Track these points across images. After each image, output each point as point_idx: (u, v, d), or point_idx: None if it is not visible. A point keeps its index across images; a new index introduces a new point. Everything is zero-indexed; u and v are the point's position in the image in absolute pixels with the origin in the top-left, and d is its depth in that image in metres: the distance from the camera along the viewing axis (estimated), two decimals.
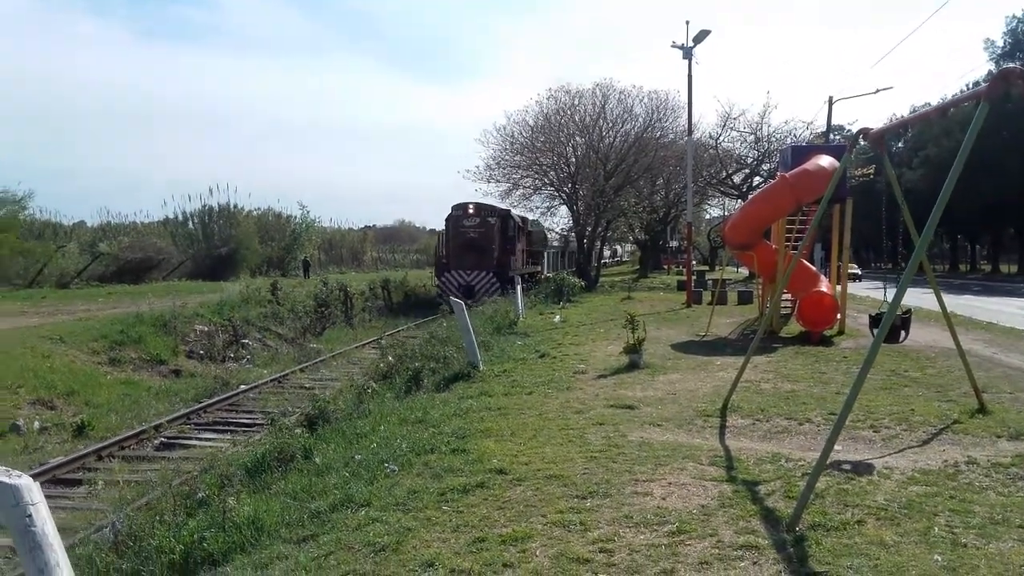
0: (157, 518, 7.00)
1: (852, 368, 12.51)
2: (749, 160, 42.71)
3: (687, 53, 26.09)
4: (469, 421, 9.26)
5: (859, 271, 46.64)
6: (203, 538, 6.65)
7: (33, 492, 3.32)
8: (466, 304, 21.26)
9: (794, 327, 17.67)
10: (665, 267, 58.52)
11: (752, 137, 41.81)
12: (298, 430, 9.55)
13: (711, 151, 41.85)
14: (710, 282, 29.66)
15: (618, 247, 78.36)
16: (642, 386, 11.33)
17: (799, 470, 6.94)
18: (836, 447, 7.89)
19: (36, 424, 13.64)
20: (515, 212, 41.31)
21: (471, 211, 36.51)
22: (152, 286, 35.14)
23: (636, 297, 30.02)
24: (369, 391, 11.49)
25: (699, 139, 42.44)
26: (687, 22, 26.70)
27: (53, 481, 10.87)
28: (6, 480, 3.26)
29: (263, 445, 9.40)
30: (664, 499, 6.21)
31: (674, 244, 60.32)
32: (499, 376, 12.57)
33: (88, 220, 48.17)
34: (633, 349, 12.99)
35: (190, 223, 45.61)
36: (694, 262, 53.70)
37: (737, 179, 42.85)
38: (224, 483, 8.19)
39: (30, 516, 3.26)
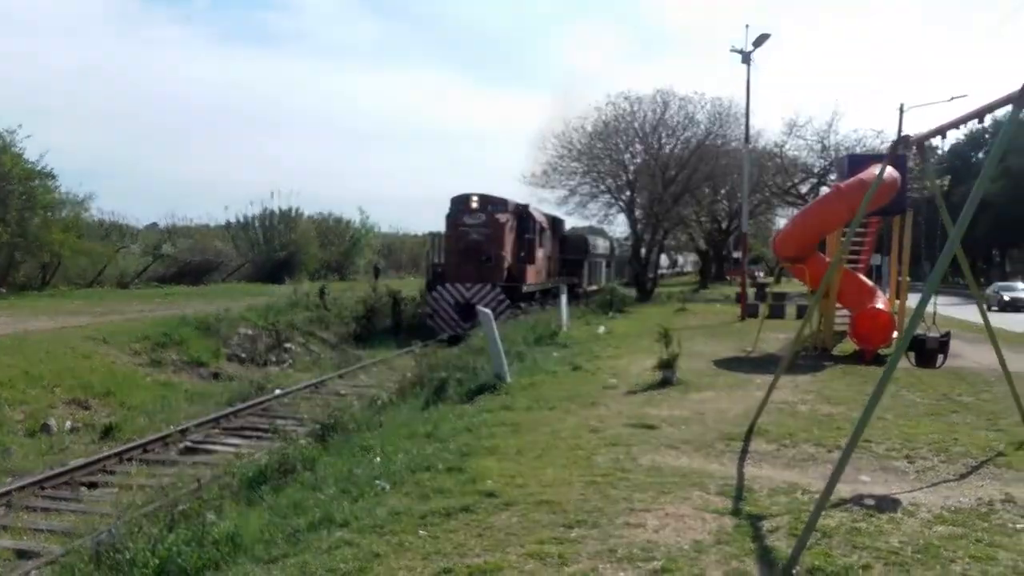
0: (138, 529, 6.77)
1: (901, 391, 11.77)
2: (816, 169, 41.42)
3: (746, 58, 25.43)
4: (478, 437, 8.86)
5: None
6: (180, 553, 6.41)
7: None
8: (462, 329, 19.67)
9: (848, 345, 16.85)
10: (727, 278, 57.30)
11: (819, 146, 40.56)
12: (303, 441, 9.29)
13: (776, 159, 40.71)
14: (770, 295, 28.67)
15: (679, 257, 77.06)
16: (670, 404, 10.78)
17: (814, 503, 6.37)
18: (864, 478, 7.35)
19: (67, 424, 13.72)
20: (540, 208, 34.50)
21: (474, 205, 28.53)
22: (210, 288, 35.76)
23: (691, 309, 29.19)
24: (379, 402, 11.21)
25: (764, 147, 41.34)
26: (747, 26, 26.13)
27: (71, 483, 10.85)
28: None
29: (268, 455, 9.17)
30: (656, 532, 5.72)
31: (737, 255, 58.94)
32: (525, 389, 12.14)
33: (161, 222, 49.40)
34: (666, 365, 12.42)
35: (251, 227, 46.34)
36: (760, 274, 52.56)
37: (804, 189, 41.58)
38: (221, 494, 7.98)
39: None
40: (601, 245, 45.54)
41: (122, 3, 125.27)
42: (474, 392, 12.19)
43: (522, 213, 30.40)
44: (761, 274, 50.20)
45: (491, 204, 28.65)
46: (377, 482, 7.16)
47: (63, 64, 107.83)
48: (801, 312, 24.58)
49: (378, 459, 8.26)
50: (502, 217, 28.65)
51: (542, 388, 12.20)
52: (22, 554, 8.35)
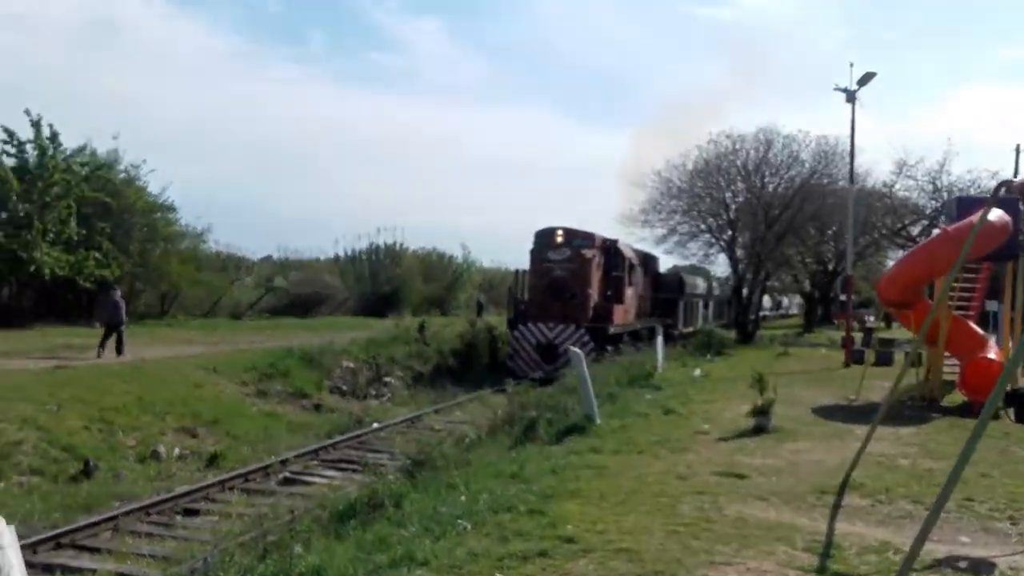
0: (229, 558, 7.05)
1: (1011, 447, 11.21)
2: (928, 211, 39.87)
3: (850, 96, 24.98)
4: (562, 480, 8.88)
5: None
6: None
7: (3, 536, 3.37)
8: (543, 371, 19.05)
9: (958, 396, 16.12)
10: (834, 322, 55.56)
11: (931, 186, 39.04)
12: (392, 477, 9.50)
13: (886, 200, 39.41)
14: (877, 341, 27.57)
15: (784, 298, 75.17)
16: (763, 453, 10.55)
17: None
18: (963, 539, 7.03)
19: (176, 451, 14.38)
20: (631, 244, 32.52)
21: (559, 239, 27.00)
22: (318, 320, 36.91)
23: (794, 353, 28.39)
24: (467, 440, 11.38)
25: (872, 187, 40.14)
26: (851, 64, 25.73)
27: (175, 510, 11.35)
28: None
29: (358, 490, 9.42)
30: None
31: (844, 297, 56.95)
32: (615, 432, 12.09)
33: (274, 255, 51.45)
34: (761, 411, 12.16)
35: (358, 261, 47.71)
36: (871, 318, 50.78)
37: (915, 230, 40.06)
38: (311, 527, 8.22)
39: None
40: (699, 285, 43.38)
41: (243, 43, 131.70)
42: (563, 433, 12.20)
43: (610, 248, 28.70)
44: (872, 318, 48.34)
45: (577, 238, 27.07)
46: (459, 521, 7.26)
47: (190, 101, 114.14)
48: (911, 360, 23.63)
49: (463, 498, 8.38)
50: (588, 252, 26.96)
51: (632, 431, 12.13)
52: None
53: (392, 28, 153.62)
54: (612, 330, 26.41)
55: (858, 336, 29.70)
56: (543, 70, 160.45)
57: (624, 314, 28.74)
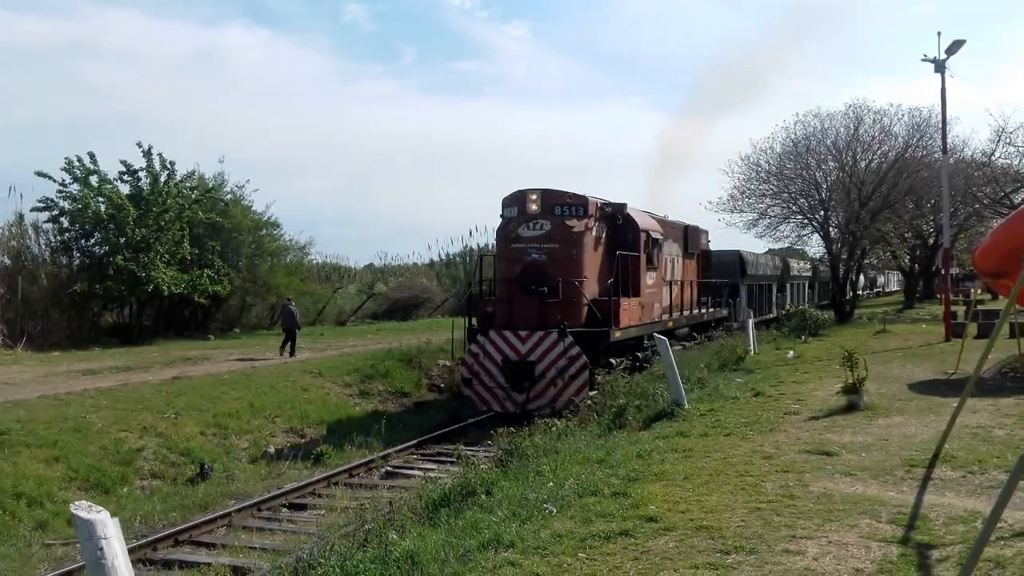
0: (329, 548, 7.49)
1: None
2: None
3: (939, 66, 24.19)
4: (648, 463, 9.07)
5: None
6: (365, 570, 7.04)
7: (108, 527, 3.64)
8: (514, 404, 16.08)
9: None
10: (938, 296, 53.54)
11: None
12: (484, 466, 9.85)
13: (985, 169, 37.75)
14: (981, 314, 26.20)
15: (880, 277, 72.68)
16: (853, 430, 10.49)
17: (995, 533, 6.12)
18: None
19: (285, 451, 15.12)
20: (651, 211, 22.69)
21: (533, 207, 17.91)
22: (417, 323, 37.82)
23: (892, 330, 27.70)
24: (554, 429, 11.65)
25: (971, 157, 38.67)
26: (939, 33, 24.80)
27: (285, 505, 11.99)
28: (82, 515, 3.65)
29: (452, 480, 9.81)
30: (816, 560, 5.72)
31: (954, 271, 54.48)
32: (703, 416, 12.18)
33: (376, 262, 53.16)
34: (852, 389, 12.06)
35: (452, 264, 48.70)
36: (977, 290, 48.80)
37: (1018, 198, 38.17)
38: (407, 516, 8.63)
39: (101, 550, 3.61)
40: (768, 264, 36.87)
41: (341, 62, 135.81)
42: (652, 419, 12.36)
43: (614, 217, 19.32)
44: (978, 290, 46.49)
45: (561, 205, 18.11)
46: (545, 506, 7.56)
47: (293, 121, 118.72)
48: (1014, 332, 22.72)
49: (550, 483, 8.66)
50: (577, 225, 17.99)
51: (720, 414, 12.20)
52: (236, 570, 9.28)
53: (480, 36, 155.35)
54: (619, 335, 17.97)
55: (962, 309, 28.71)
56: (626, 68, 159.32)
57: (640, 311, 19.91)
